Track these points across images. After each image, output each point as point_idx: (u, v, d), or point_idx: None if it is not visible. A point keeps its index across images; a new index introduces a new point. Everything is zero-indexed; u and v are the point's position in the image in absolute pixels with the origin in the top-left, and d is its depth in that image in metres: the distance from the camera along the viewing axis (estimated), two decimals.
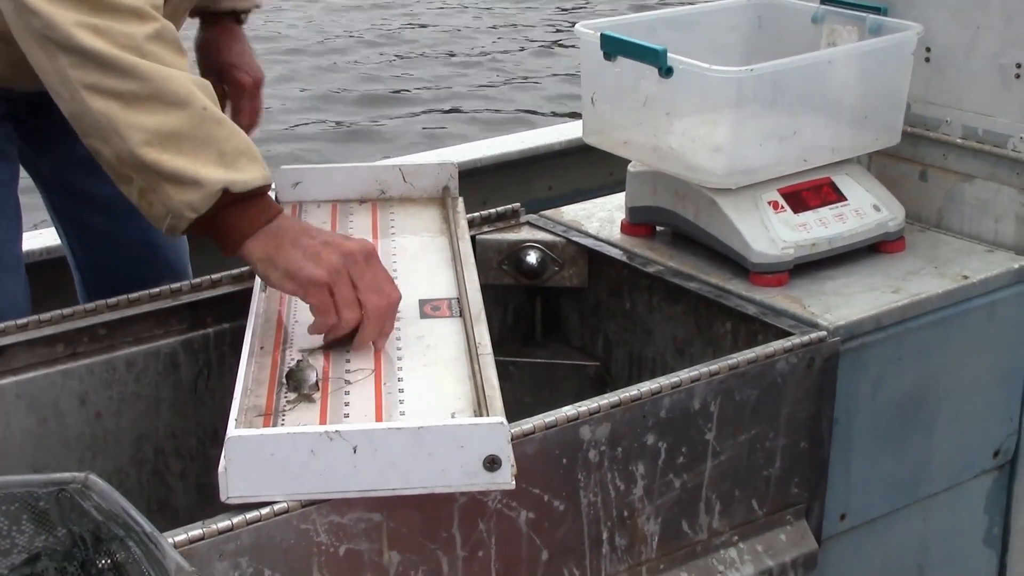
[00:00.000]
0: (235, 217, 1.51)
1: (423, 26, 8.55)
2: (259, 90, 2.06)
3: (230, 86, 2.03)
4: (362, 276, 1.51)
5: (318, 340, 1.54)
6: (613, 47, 1.83)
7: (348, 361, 1.51)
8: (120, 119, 1.48)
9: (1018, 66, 1.85)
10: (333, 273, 1.50)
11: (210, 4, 2.06)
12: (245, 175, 1.51)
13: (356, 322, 1.51)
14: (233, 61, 2.05)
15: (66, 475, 1.22)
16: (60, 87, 1.51)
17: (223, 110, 1.85)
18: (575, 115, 4.60)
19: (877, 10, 1.95)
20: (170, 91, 1.49)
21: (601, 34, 1.84)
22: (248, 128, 2.02)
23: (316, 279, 1.50)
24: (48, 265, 2.37)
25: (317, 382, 1.44)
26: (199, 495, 1.77)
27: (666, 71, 1.75)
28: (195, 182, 1.48)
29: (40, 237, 2.50)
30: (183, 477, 1.77)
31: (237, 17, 2.10)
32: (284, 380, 1.46)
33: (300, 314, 1.62)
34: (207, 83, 1.55)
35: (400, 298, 1.55)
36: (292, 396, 1.43)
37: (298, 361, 1.48)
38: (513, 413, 1.39)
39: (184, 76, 1.51)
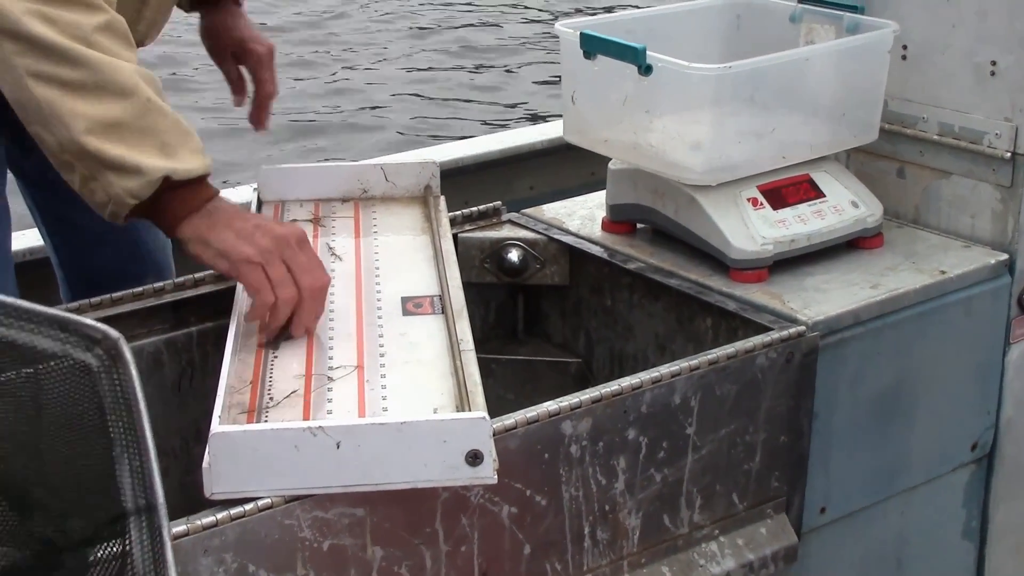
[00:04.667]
0: (173, 202, 1.56)
1: None
2: (272, 58, 2.08)
3: (247, 59, 2.07)
4: (295, 258, 1.56)
5: (300, 339, 1.55)
6: (593, 46, 1.84)
7: (331, 358, 1.51)
8: (63, 107, 1.51)
9: (992, 63, 1.87)
10: (265, 253, 1.55)
11: None
12: (187, 164, 1.55)
13: (293, 301, 1.54)
14: (243, 35, 2.08)
15: None
16: (4, 73, 1.54)
17: (243, 85, 2.04)
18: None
19: (854, 9, 1.97)
20: (115, 81, 1.52)
21: (581, 33, 1.85)
22: (270, 96, 2.05)
23: (249, 257, 1.54)
24: (29, 267, 2.37)
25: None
26: (183, 494, 1.76)
27: (645, 69, 1.76)
28: (137, 170, 1.52)
29: (22, 239, 2.49)
30: (167, 476, 1.76)
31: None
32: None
33: None
34: (153, 75, 1.58)
35: (330, 281, 1.59)
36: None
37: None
38: (496, 410, 1.40)
39: (130, 67, 1.55)
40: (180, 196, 1.56)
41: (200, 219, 1.57)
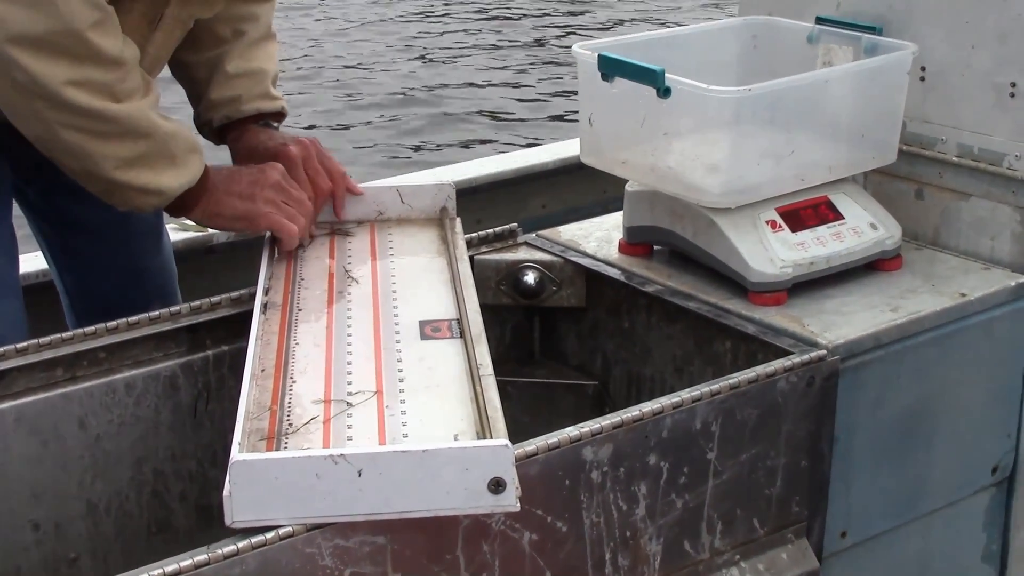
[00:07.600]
0: (184, 198, 1.76)
1: None
2: (312, 154, 1.90)
3: (286, 165, 1.87)
4: (291, 196, 1.82)
5: (319, 363, 1.55)
6: (611, 68, 1.83)
7: (350, 383, 1.50)
8: (93, 150, 1.67)
9: (1013, 85, 1.86)
10: (272, 204, 1.80)
11: (231, 112, 1.96)
12: (192, 169, 1.75)
13: (304, 226, 1.82)
14: (276, 144, 1.91)
15: None
16: (33, 121, 1.67)
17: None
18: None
19: (872, 29, 1.96)
20: (138, 127, 1.69)
21: (599, 55, 1.84)
22: (324, 192, 1.90)
23: (263, 213, 1.80)
24: (38, 289, 2.36)
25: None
26: (199, 516, 1.76)
27: (664, 91, 1.75)
28: (159, 192, 1.73)
29: (33, 261, 2.48)
30: (183, 499, 1.77)
31: (262, 122, 1.98)
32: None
33: (301, 336, 1.62)
34: (156, 94, 1.74)
35: (309, 195, 1.86)
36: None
37: None
38: (511, 433, 1.39)
39: (146, 108, 1.70)
40: (188, 192, 1.75)
41: (205, 200, 1.78)
